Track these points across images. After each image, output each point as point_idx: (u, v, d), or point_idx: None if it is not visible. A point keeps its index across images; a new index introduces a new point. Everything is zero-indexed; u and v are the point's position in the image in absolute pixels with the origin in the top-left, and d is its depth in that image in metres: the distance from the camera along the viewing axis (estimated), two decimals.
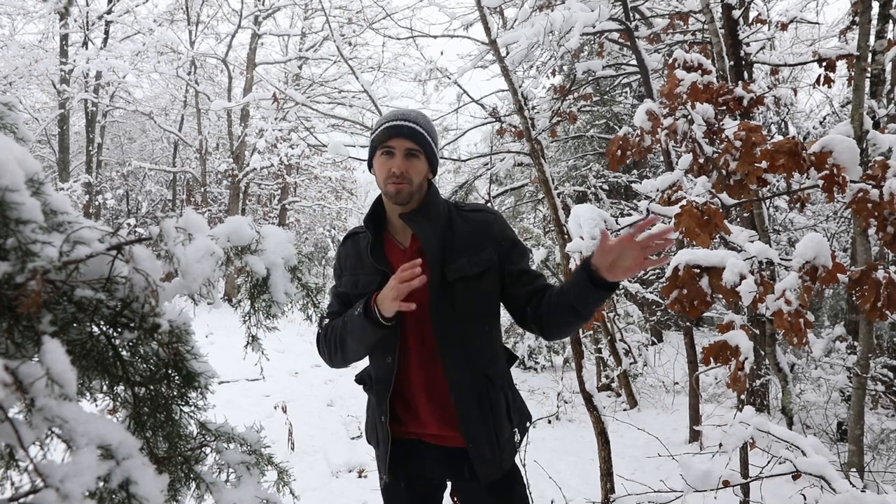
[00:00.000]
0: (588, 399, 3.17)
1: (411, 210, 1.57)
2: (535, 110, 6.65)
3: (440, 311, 1.51)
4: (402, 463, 1.63)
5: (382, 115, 1.64)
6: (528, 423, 1.70)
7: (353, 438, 4.98)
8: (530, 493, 1.93)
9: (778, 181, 3.75)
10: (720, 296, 2.00)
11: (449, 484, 1.73)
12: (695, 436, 4.78)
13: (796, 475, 2.01)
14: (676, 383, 6.69)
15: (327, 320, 1.62)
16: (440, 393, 1.54)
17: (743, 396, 3.21)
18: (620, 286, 6.77)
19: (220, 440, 0.91)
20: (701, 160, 2.40)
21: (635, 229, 1.41)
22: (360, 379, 1.73)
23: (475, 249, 1.56)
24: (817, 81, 3.77)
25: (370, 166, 1.65)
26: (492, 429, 1.55)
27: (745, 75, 4.15)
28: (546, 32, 3.94)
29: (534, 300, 1.57)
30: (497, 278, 1.59)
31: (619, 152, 2.77)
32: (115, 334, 0.75)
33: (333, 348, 1.58)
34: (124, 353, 0.78)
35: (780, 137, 2.07)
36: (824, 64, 3.61)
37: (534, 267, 1.73)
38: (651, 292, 6.76)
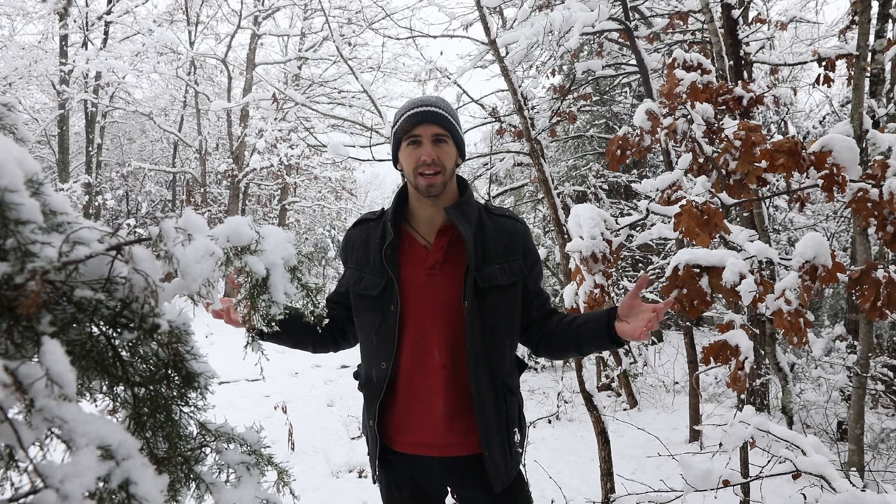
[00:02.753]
0: (588, 399, 3.17)
1: (453, 204, 1.52)
2: (535, 110, 6.66)
3: (470, 319, 1.46)
4: (405, 474, 1.59)
5: (402, 105, 1.57)
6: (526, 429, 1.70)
7: (353, 438, 4.98)
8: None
9: (778, 181, 3.75)
10: (720, 295, 2.00)
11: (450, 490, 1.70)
12: (695, 435, 4.78)
13: (796, 474, 2.01)
14: (676, 383, 6.69)
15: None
16: (459, 400, 1.50)
17: (743, 396, 3.21)
18: (620, 286, 6.78)
19: (220, 440, 0.91)
20: (701, 160, 2.40)
21: (635, 289, 1.43)
22: (356, 375, 1.69)
23: (506, 258, 1.52)
24: (817, 81, 3.77)
25: (395, 162, 1.59)
26: (506, 437, 1.52)
27: (745, 75, 4.15)
28: (545, 32, 3.94)
29: (539, 322, 1.60)
30: (521, 291, 1.56)
31: (618, 152, 2.77)
32: (114, 335, 0.75)
33: None
34: (124, 353, 0.78)
35: (780, 137, 2.08)
36: (824, 63, 3.61)
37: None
38: (651, 292, 6.76)
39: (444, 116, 1.49)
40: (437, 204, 1.53)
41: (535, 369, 7.88)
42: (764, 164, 2.03)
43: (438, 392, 1.50)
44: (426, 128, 1.47)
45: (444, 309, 1.49)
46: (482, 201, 1.70)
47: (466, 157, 1.66)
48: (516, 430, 1.56)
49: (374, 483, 1.65)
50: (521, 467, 1.64)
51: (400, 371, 1.52)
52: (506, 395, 1.53)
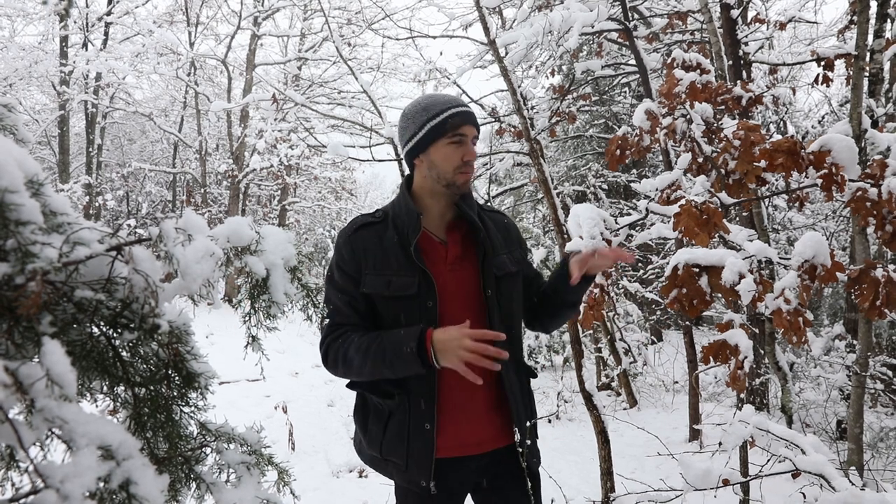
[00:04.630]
0: (588, 398, 3.17)
1: (461, 199, 1.57)
2: (535, 110, 6.65)
3: (493, 308, 1.53)
4: (440, 479, 1.51)
5: (434, 100, 1.53)
6: None
7: (353, 438, 4.98)
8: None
9: (777, 180, 3.76)
10: (719, 295, 2.01)
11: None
12: (695, 434, 4.78)
13: (796, 473, 2.01)
14: (676, 382, 6.69)
15: (337, 332, 1.47)
16: (495, 392, 1.53)
17: (742, 395, 3.22)
18: (620, 286, 6.78)
19: (221, 440, 0.91)
20: (700, 159, 2.40)
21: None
22: (385, 392, 1.51)
23: (508, 248, 1.62)
24: (816, 80, 3.77)
25: (415, 154, 1.53)
26: (532, 420, 1.60)
27: (744, 74, 4.15)
28: (545, 32, 3.94)
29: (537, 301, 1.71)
30: (522, 278, 1.66)
31: (618, 152, 2.77)
32: (115, 335, 0.75)
33: (355, 367, 1.43)
34: (124, 353, 0.78)
35: (779, 136, 2.08)
36: (823, 63, 3.61)
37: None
38: (650, 291, 6.76)
39: (477, 120, 1.58)
40: (451, 200, 1.57)
41: (536, 369, 7.88)
42: (763, 163, 2.03)
43: (478, 388, 1.46)
44: (470, 129, 1.53)
45: (468, 302, 1.52)
46: (480, 201, 1.75)
47: None
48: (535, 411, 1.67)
49: (431, 494, 1.49)
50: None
51: (440, 373, 1.45)
52: (528, 378, 1.64)
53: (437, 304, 1.47)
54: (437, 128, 1.49)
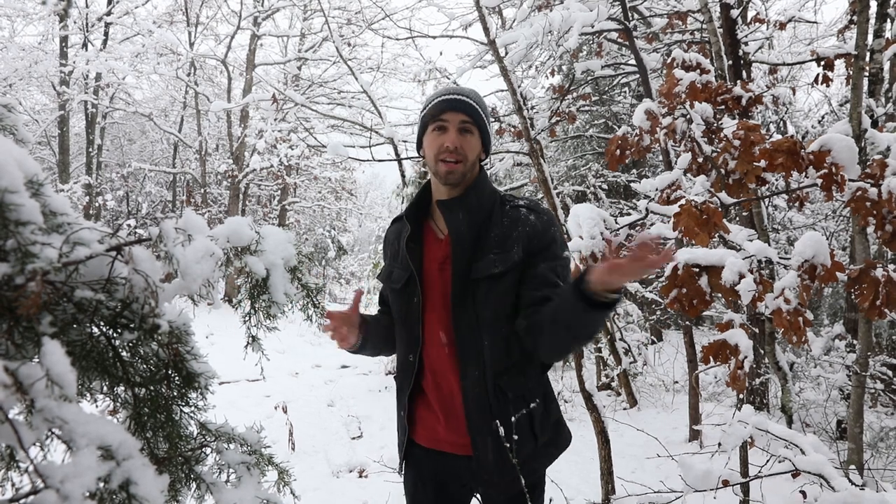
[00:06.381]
0: (588, 398, 3.17)
1: (452, 198, 1.49)
2: (534, 110, 6.66)
3: (459, 312, 1.43)
4: (431, 471, 1.57)
5: (433, 92, 1.56)
6: (565, 442, 1.58)
7: (353, 438, 4.98)
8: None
9: (777, 180, 3.76)
10: (719, 294, 2.01)
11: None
12: (694, 435, 4.78)
13: (796, 473, 2.01)
14: (676, 382, 6.69)
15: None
16: (456, 399, 1.47)
17: (742, 395, 3.22)
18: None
19: (221, 440, 0.91)
20: (700, 159, 2.40)
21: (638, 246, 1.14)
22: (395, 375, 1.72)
23: (503, 247, 1.44)
24: (815, 80, 3.77)
25: (419, 147, 1.56)
26: (503, 444, 1.41)
27: (744, 74, 4.16)
28: (545, 32, 3.94)
29: (530, 308, 1.39)
30: (517, 278, 1.43)
31: (618, 152, 2.77)
32: (115, 335, 0.76)
33: None
34: (124, 353, 0.78)
35: (779, 136, 2.08)
36: (822, 63, 3.61)
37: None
38: (650, 291, 6.76)
39: (473, 107, 1.47)
40: (453, 195, 1.50)
41: None
42: (763, 163, 2.03)
43: (457, 389, 1.47)
44: (454, 115, 1.45)
45: (445, 303, 1.47)
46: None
47: None
48: (531, 438, 1.46)
49: (400, 473, 1.64)
50: (544, 477, 1.58)
51: (424, 366, 1.52)
52: (499, 397, 1.42)
53: (421, 301, 1.49)
54: (424, 117, 1.50)
